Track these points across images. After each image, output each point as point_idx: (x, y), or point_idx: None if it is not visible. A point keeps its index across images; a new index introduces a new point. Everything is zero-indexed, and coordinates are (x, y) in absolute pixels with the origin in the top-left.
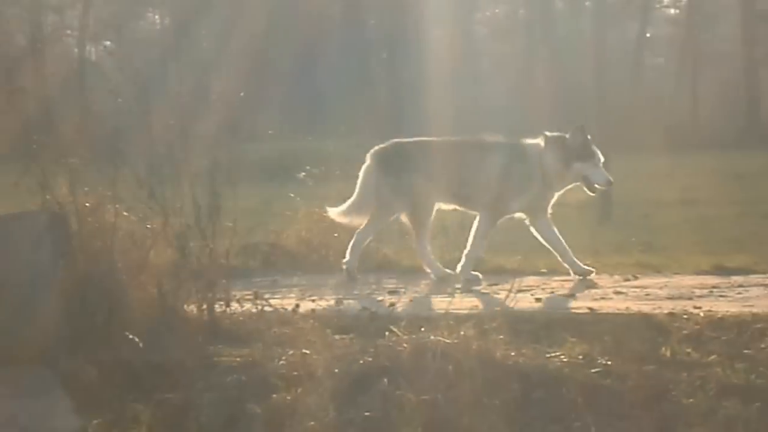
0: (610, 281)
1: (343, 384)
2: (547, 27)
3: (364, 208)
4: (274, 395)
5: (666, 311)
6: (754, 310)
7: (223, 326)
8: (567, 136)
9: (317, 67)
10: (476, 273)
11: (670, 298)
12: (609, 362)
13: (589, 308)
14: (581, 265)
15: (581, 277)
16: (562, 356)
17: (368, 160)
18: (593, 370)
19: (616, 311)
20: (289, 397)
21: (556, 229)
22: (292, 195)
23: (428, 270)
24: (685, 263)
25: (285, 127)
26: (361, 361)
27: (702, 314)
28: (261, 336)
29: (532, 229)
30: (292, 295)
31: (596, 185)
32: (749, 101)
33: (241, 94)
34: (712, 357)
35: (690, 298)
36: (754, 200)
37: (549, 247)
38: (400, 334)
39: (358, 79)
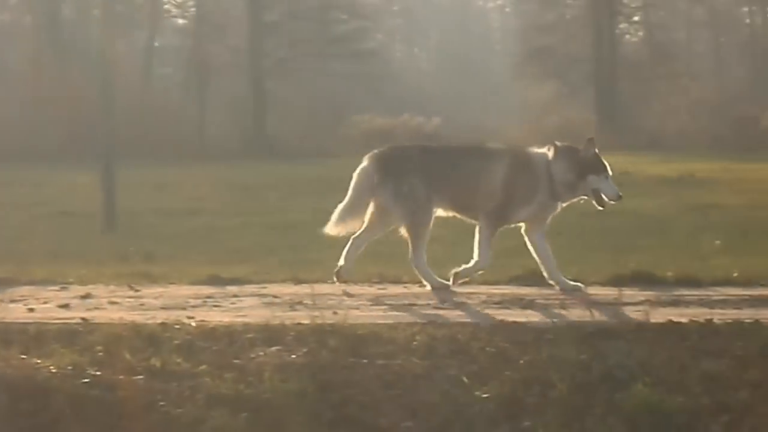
0: (106, 291)
1: None
2: (54, 34)
3: (358, 210)
4: None
5: (159, 321)
6: (246, 319)
7: None
8: (579, 148)
9: None
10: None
11: (165, 308)
12: (98, 372)
13: (82, 318)
14: (567, 281)
15: (569, 292)
16: (51, 367)
17: (365, 162)
18: (82, 381)
19: (109, 321)
20: None
21: (548, 245)
22: None
23: (425, 282)
24: (184, 273)
25: None
26: None
27: (194, 324)
28: None
29: (526, 239)
30: None
31: (607, 199)
32: (256, 113)
33: None
34: (203, 367)
35: (184, 308)
36: (258, 210)
37: (538, 260)
38: None
39: None
